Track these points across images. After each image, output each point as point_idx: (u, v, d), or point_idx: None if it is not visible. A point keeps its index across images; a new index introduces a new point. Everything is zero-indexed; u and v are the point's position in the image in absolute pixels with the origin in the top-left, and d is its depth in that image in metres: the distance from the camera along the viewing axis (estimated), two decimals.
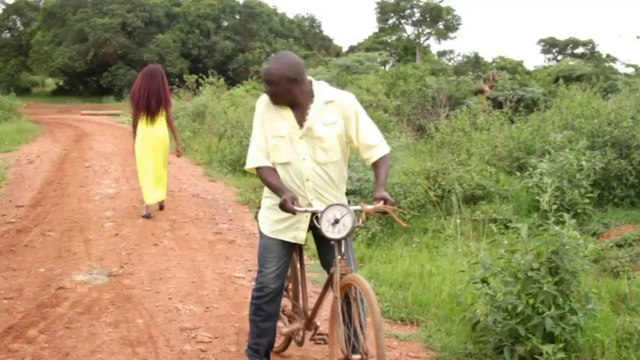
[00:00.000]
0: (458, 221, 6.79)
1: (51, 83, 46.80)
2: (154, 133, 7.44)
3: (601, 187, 8.36)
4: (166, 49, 39.52)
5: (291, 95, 3.09)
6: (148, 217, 7.41)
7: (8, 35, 43.59)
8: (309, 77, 3.18)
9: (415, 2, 48.05)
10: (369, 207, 3.01)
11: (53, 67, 38.68)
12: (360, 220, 3.01)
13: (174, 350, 3.85)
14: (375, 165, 3.17)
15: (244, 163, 12.05)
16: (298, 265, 3.57)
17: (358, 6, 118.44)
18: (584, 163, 7.70)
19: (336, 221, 2.94)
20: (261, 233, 3.34)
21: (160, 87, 7.41)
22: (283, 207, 2.99)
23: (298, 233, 3.25)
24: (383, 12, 48.81)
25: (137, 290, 4.93)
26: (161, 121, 7.49)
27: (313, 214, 3.09)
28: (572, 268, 3.68)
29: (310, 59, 43.22)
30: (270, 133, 3.16)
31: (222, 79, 20.94)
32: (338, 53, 47.84)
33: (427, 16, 47.86)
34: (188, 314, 4.47)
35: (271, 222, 3.28)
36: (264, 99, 3.21)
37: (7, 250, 5.92)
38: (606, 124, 9.06)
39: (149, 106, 7.34)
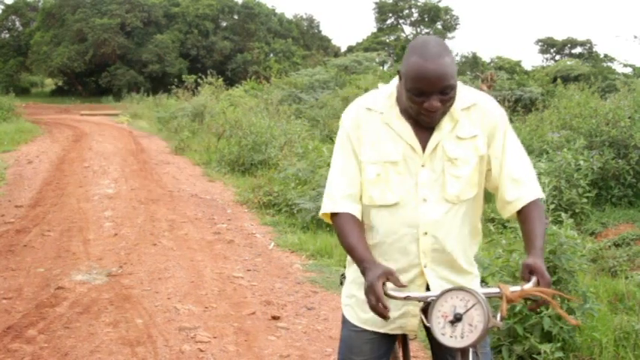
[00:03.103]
0: None
1: (50, 83, 46.73)
2: None
3: (599, 186, 8.39)
4: (165, 49, 39.49)
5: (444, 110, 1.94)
6: None
7: (7, 36, 43.48)
8: None
9: (413, 2, 48.06)
10: (514, 289, 1.80)
11: (52, 67, 38.61)
12: (499, 316, 1.81)
13: (173, 350, 3.86)
14: (524, 214, 1.97)
15: (243, 163, 11.95)
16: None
17: (356, 6, 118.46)
18: (582, 162, 7.72)
19: (457, 318, 1.75)
20: (344, 320, 2.18)
21: None
22: (369, 293, 1.81)
23: (408, 320, 2.06)
24: (381, 12, 48.80)
25: (136, 290, 4.93)
26: None
27: (422, 302, 1.90)
28: (570, 267, 3.69)
29: (309, 59, 43.24)
30: (370, 157, 2.01)
31: (220, 79, 21.00)
32: (336, 53, 47.80)
33: (425, 16, 47.87)
34: (187, 314, 4.48)
35: (362, 305, 2.02)
36: (359, 111, 2.06)
37: (7, 250, 5.93)
38: (604, 124, 9.09)
39: None
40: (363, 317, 2.08)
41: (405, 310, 2.03)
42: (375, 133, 2.02)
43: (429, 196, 1.97)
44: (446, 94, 1.87)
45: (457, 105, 1.97)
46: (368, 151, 2.01)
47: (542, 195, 2.02)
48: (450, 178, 1.97)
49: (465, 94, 2.02)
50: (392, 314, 1.97)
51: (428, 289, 2.00)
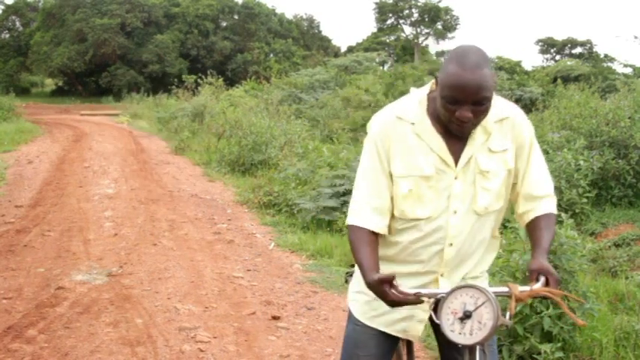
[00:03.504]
0: None
1: (50, 83, 46.75)
2: None
3: (599, 186, 8.40)
4: (165, 49, 39.51)
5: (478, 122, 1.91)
6: None
7: (7, 36, 43.49)
8: None
9: (413, 2, 48.07)
10: (523, 289, 1.82)
11: (52, 67, 38.63)
12: (508, 314, 1.80)
13: (173, 350, 3.86)
14: (533, 225, 2.01)
15: (243, 163, 11.93)
16: None
17: (357, 6, 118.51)
18: (582, 162, 7.73)
19: (467, 315, 1.77)
20: (350, 315, 2.20)
21: None
22: (374, 288, 1.84)
23: (412, 324, 2.07)
24: (381, 12, 48.83)
25: (136, 290, 4.93)
26: None
27: (431, 298, 1.89)
28: (571, 267, 3.69)
29: (309, 59, 43.25)
30: (402, 171, 1.97)
31: (220, 80, 21.02)
32: (336, 53, 47.83)
33: (425, 16, 47.89)
34: (187, 314, 4.48)
35: (368, 302, 2.08)
36: (389, 119, 2.01)
37: (7, 250, 5.93)
38: (604, 124, 9.09)
39: None
40: (370, 314, 2.10)
41: (410, 313, 2.04)
42: (406, 145, 1.97)
43: (459, 208, 1.97)
44: (480, 105, 1.84)
45: (490, 117, 1.95)
46: (398, 164, 1.98)
47: (554, 211, 2.03)
48: (481, 190, 1.97)
49: (499, 106, 2.00)
50: (396, 316, 2.04)
51: None
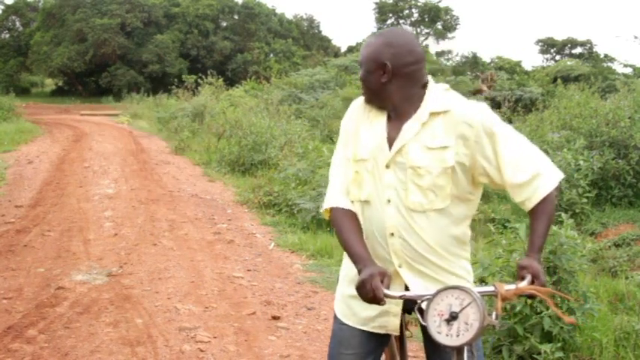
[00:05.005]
0: None
1: (50, 83, 46.73)
2: None
3: (599, 186, 8.40)
4: (165, 49, 39.50)
5: (383, 94, 1.98)
6: None
7: (7, 36, 43.48)
8: (428, 76, 2.03)
9: (413, 2, 48.09)
10: (509, 287, 1.80)
11: (52, 67, 38.61)
12: (495, 314, 1.77)
13: (173, 350, 3.86)
14: (532, 212, 1.94)
15: (243, 163, 11.93)
16: None
17: (357, 6, 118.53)
18: (582, 162, 7.73)
19: (453, 316, 1.76)
20: (334, 314, 2.21)
21: None
22: (361, 289, 1.84)
23: (389, 319, 2.04)
24: (381, 12, 48.83)
25: (136, 290, 4.93)
26: None
27: (412, 301, 1.89)
28: (570, 267, 3.69)
29: (309, 59, 43.23)
30: (352, 151, 2.05)
31: (221, 80, 21.03)
32: (336, 53, 47.80)
33: (425, 16, 47.92)
34: (187, 314, 4.48)
35: (347, 300, 2.12)
36: (357, 101, 2.13)
37: (7, 250, 5.93)
38: (604, 124, 9.10)
39: None
40: (347, 313, 2.10)
41: (384, 309, 1.99)
42: (361, 124, 2.05)
43: (393, 199, 1.95)
44: (364, 69, 2.01)
45: (427, 107, 1.94)
46: (353, 144, 2.05)
47: (551, 187, 1.91)
48: (412, 186, 1.92)
49: (440, 97, 1.96)
50: (370, 313, 2.04)
51: (407, 288, 1.98)
